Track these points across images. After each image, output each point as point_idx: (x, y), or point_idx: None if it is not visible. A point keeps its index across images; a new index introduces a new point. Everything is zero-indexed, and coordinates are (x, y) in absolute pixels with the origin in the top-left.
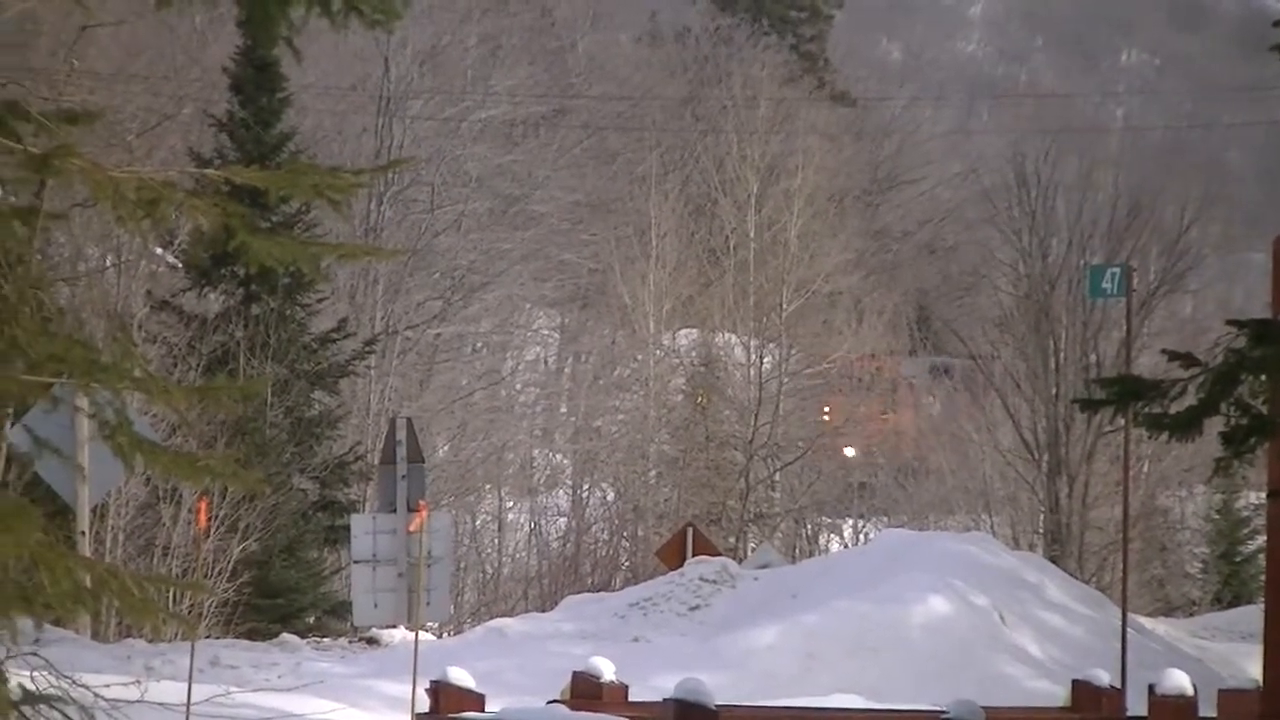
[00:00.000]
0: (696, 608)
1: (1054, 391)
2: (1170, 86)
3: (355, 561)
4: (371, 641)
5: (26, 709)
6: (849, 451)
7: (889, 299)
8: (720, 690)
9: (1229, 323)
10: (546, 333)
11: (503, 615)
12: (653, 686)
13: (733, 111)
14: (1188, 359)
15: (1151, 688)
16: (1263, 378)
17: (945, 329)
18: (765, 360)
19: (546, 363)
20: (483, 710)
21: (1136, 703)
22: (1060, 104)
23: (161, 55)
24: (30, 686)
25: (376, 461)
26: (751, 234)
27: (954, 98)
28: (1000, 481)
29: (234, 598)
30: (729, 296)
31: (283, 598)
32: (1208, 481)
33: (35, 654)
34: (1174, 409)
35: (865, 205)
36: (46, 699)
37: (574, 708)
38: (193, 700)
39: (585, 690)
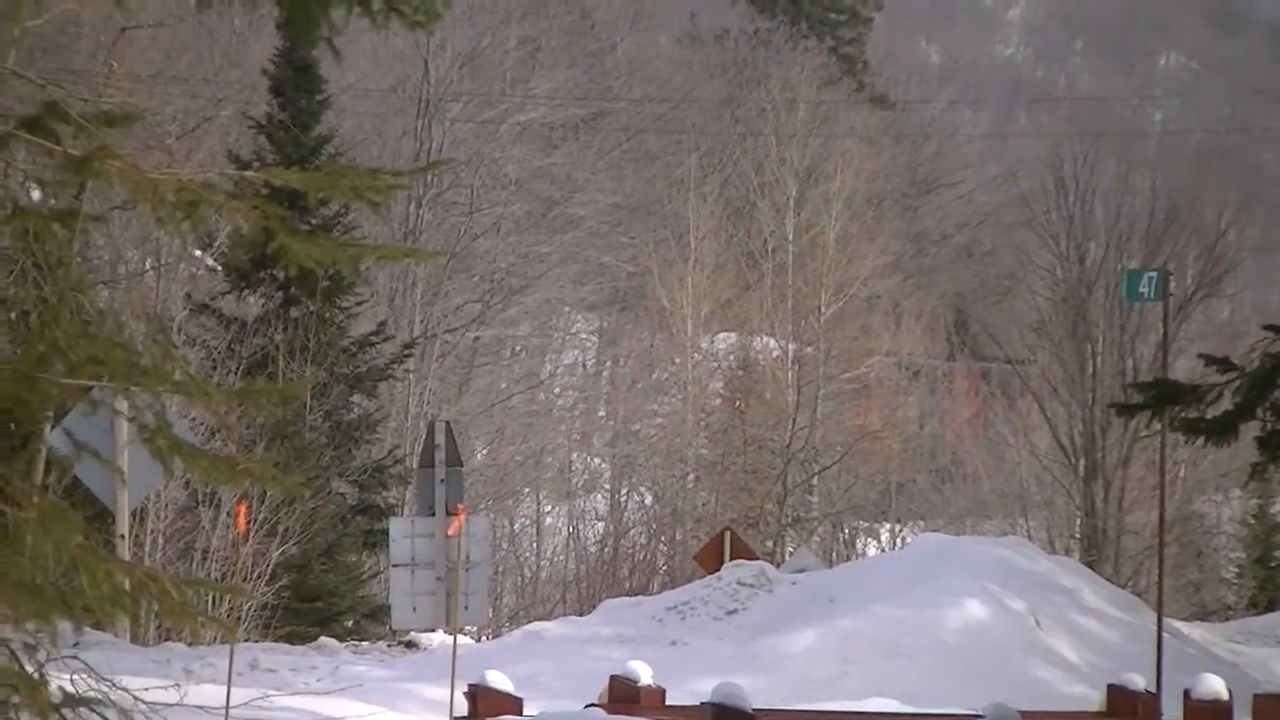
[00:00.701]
0: (734, 611)
1: (1090, 396)
2: (1208, 90)
3: (394, 565)
4: (410, 645)
5: (67, 712)
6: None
7: (926, 302)
8: (757, 694)
9: (1266, 327)
10: (585, 336)
11: (540, 619)
12: (690, 690)
13: (772, 114)
14: (1224, 363)
15: (1187, 692)
16: None
17: (983, 333)
18: (802, 364)
19: (585, 366)
20: (520, 714)
21: (1172, 707)
22: (1098, 107)
23: (201, 57)
24: (70, 689)
25: (415, 465)
26: (790, 237)
27: (992, 101)
28: (1036, 486)
29: (273, 601)
30: (767, 300)
31: (321, 601)
32: (1244, 486)
33: (75, 657)
34: (1210, 414)
35: (903, 208)
36: (86, 702)
37: (611, 711)
38: (232, 704)
39: (622, 694)
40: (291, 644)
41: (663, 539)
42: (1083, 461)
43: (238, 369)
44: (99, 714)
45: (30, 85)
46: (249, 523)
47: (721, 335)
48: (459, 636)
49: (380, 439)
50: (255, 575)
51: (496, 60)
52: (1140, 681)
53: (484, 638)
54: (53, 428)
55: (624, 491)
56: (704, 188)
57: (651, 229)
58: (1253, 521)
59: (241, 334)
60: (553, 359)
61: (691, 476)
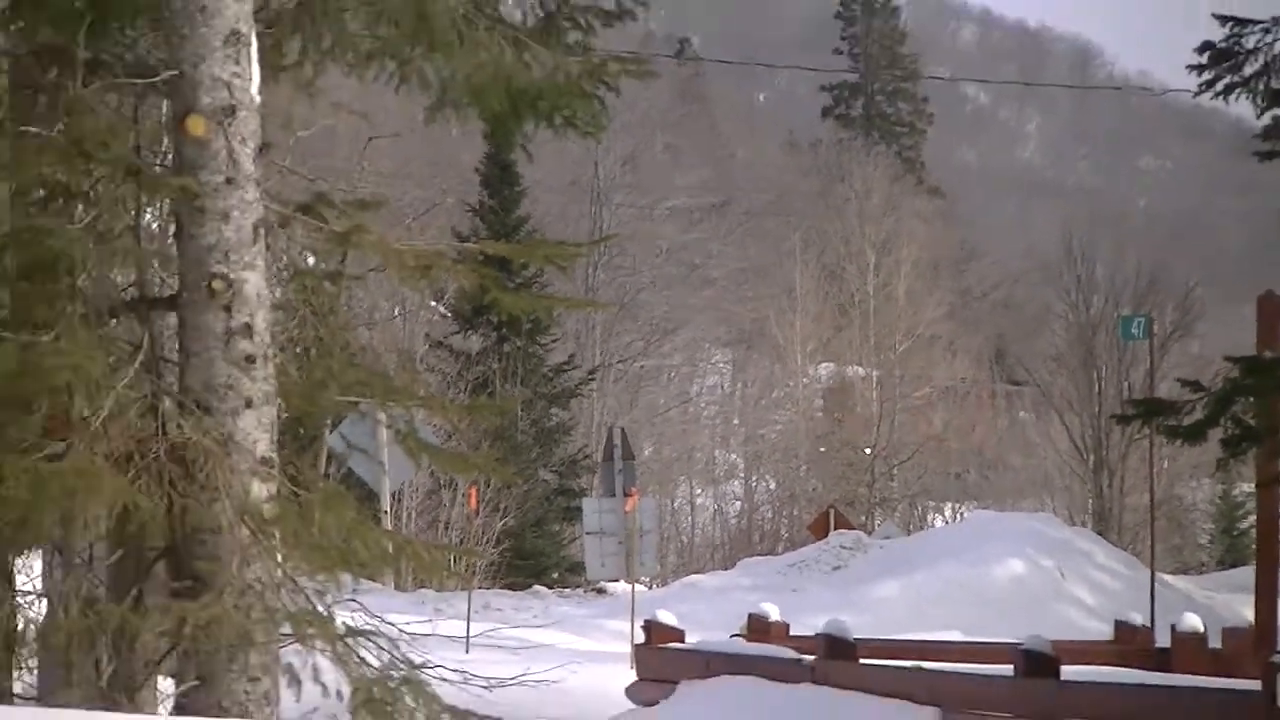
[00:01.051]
0: (838, 568)
1: (1097, 409)
2: (1180, 183)
3: (587, 533)
4: (600, 591)
5: (349, 640)
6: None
7: (974, 340)
8: (856, 628)
9: (1226, 359)
10: (721, 365)
11: (695, 573)
12: (806, 625)
13: (854, 201)
14: (1195, 386)
15: (1173, 626)
16: (1251, 399)
17: (1016, 363)
18: (883, 385)
19: (723, 387)
20: (683, 641)
21: (1163, 638)
22: (1097, 196)
23: (430, 159)
24: (350, 624)
25: (599, 459)
26: (871, 292)
27: (1017, 192)
28: (1059, 475)
29: (498, 559)
30: (855, 338)
31: (533, 559)
32: (1212, 475)
33: (353, 600)
34: (1186, 422)
35: (955, 271)
36: (362, 633)
37: (749, 639)
38: (471, 634)
39: (757, 627)
40: (513, 590)
41: (784, 514)
42: (1092, 457)
43: (465, 389)
44: (372, 641)
45: (303, 179)
46: (479, 502)
47: (823, 365)
48: (635, 585)
49: (573, 440)
50: (484, 540)
51: (649, 161)
52: (1139, 619)
53: (654, 586)
54: (331, 432)
55: (754, 479)
56: (805, 255)
57: (768, 286)
58: (1219, 501)
59: (467, 364)
60: (698, 382)
61: (804, 468)
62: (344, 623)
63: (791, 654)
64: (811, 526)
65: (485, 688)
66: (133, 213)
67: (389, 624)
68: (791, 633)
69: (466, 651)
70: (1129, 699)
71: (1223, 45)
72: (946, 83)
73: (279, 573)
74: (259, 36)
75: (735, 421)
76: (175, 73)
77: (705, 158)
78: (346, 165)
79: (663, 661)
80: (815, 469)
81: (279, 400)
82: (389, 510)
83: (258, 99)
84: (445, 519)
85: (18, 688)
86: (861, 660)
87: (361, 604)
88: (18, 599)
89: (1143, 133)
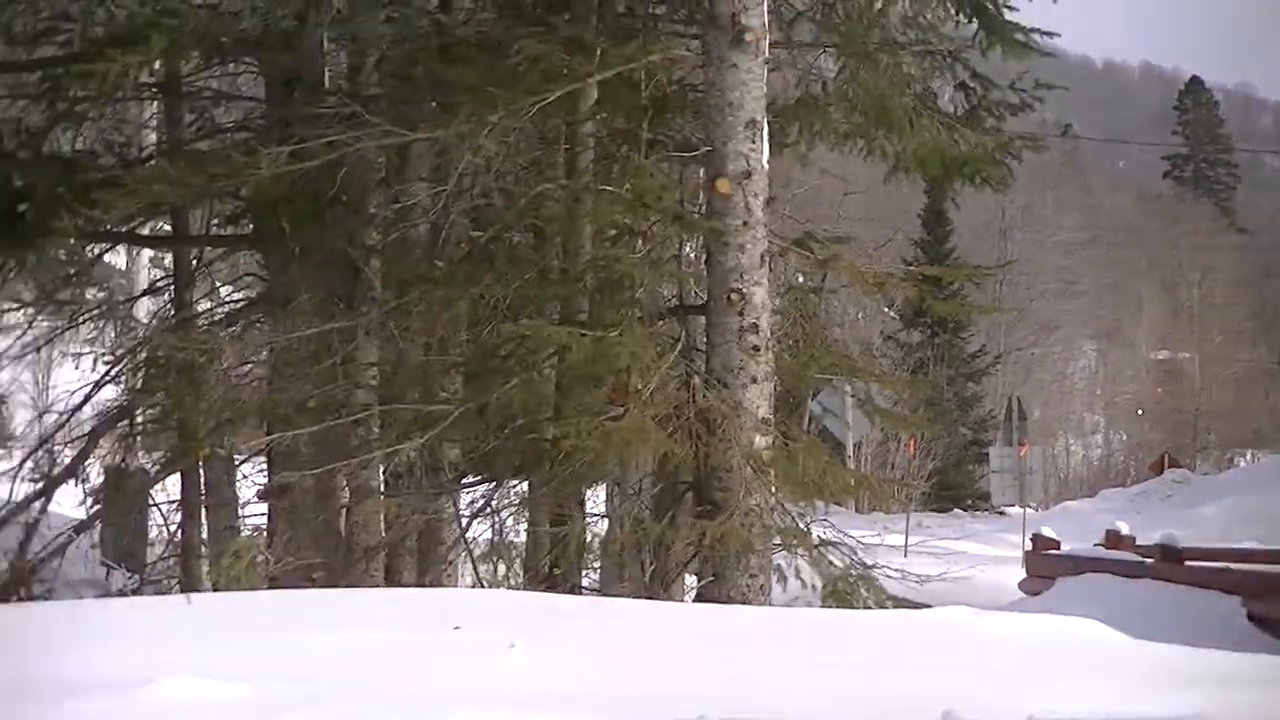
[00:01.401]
0: (1169, 496)
1: None
2: None
3: (992, 471)
4: (1001, 513)
5: (821, 548)
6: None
7: (1274, 334)
8: (1183, 539)
9: None
10: (1089, 352)
11: (1068, 500)
12: (1147, 537)
13: (1184, 237)
14: None
15: None
16: None
17: None
18: (1202, 367)
19: (1089, 368)
20: (1059, 549)
21: None
22: None
23: (886, 207)
24: (823, 536)
25: (1002, 419)
26: (1195, 299)
27: None
28: None
29: (928, 490)
30: (1184, 333)
31: (953, 490)
32: None
33: (825, 519)
34: None
35: (1258, 285)
36: (831, 543)
37: (1107, 548)
38: (908, 544)
39: (1112, 539)
40: (938, 513)
41: (1132, 458)
42: None
43: (907, 369)
44: (837, 549)
45: (796, 222)
46: (916, 449)
47: (1161, 351)
48: (1026, 509)
49: (983, 406)
50: (919, 476)
51: (1039, 207)
52: None
53: (1038, 509)
54: (811, 400)
55: (1111, 433)
56: (1149, 275)
57: (1122, 298)
58: None
59: (909, 351)
60: (1072, 364)
61: (1146, 425)
62: (818, 535)
63: (1136, 558)
64: (1151, 466)
65: (917, 583)
66: (677, 245)
67: (850, 536)
68: (1137, 543)
69: (904, 556)
70: None
71: None
72: (1251, 154)
73: (772, 500)
74: (769, 123)
75: (1097, 392)
76: (709, 148)
77: (1079, 206)
78: (828, 212)
79: (1045, 564)
80: (1155, 426)
81: (775, 377)
82: (851, 455)
83: (766, 166)
84: (891, 461)
85: (585, 582)
86: (1186, 562)
87: (831, 523)
88: (586, 519)
89: None
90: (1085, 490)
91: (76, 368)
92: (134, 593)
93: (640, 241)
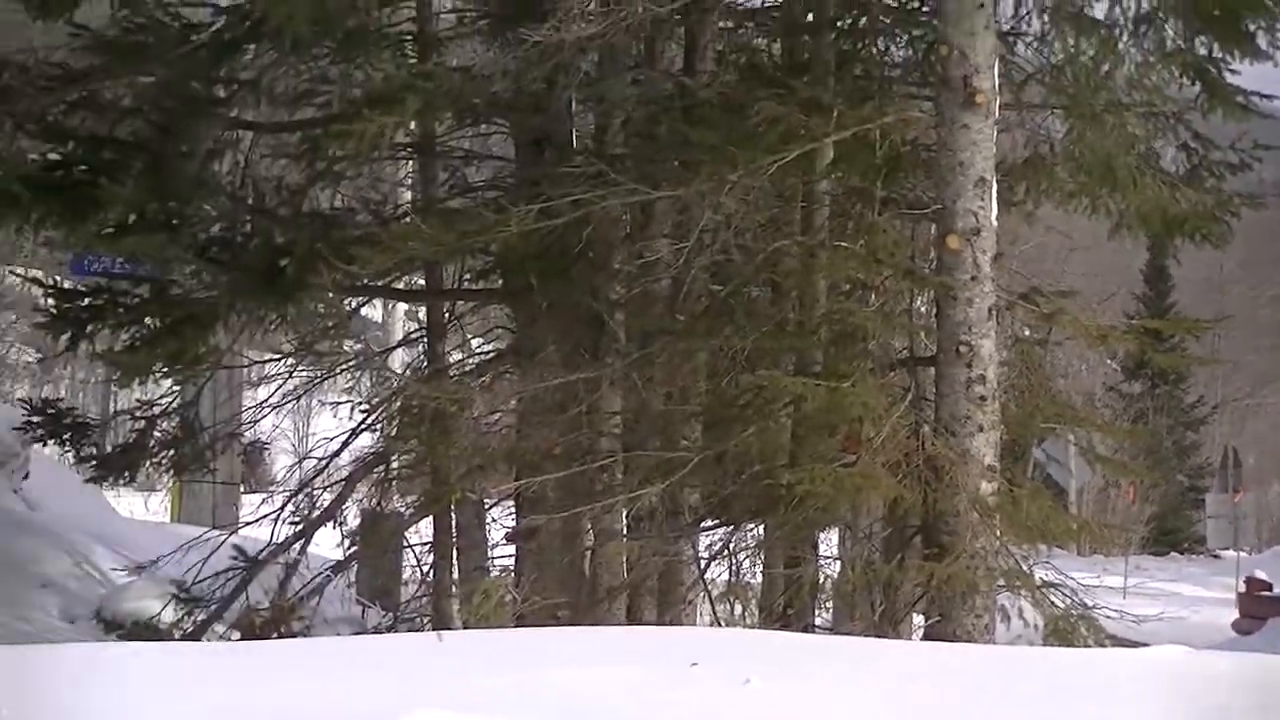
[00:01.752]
0: None
1: None
2: None
3: (1208, 516)
4: (1215, 556)
5: (1043, 589)
6: None
7: None
8: None
9: None
10: None
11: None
12: None
13: None
14: None
15: None
16: None
17: None
18: None
19: None
20: (1272, 591)
21: None
22: None
23: (1109, 263)
24: (1045, 578)
25: (1217, 466)
26: None
27: None
28: None
29: (1146, 534)
30: None
31: (1171, 534)
32: None
33: (1048, 562)
34: None
35: None
36: (1053, 584)
37: None
38: (1127, 585)
39: None
40: (1155, 556)
41: None
42: None
43: (1128, 419)
44: (1059, 590)
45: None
46: (1135, 495)
47: None
48: (1240, 553)
49: (1200, 454)
50: (1138, 521)
51: (1255, 262)
52: None
53: (1251, 553)
54: (1036, 448)
55: None
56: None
57: None
58: None
59: (1130, 401)
60: None
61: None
62: (1041, 577)
63: None
64: None
65: (1135, 622)
66: (908, 299)
67: (1070, 578)
68: None
69: (1123, 598)
70: None
71: None
72: None
73: (997, 543)
74: (997, 182)
75: None
76: (940, 206)
77: None
78: (1053, 268)
79: (1258, 605)
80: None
81: (1001, 426)
82: (1073, 501)
83: (995, 223)
84: (1112, 506)
85: (818, 621)
86: None
87: (1053, 565)
88: (820, 561)
89: None
90: None
91: (334, 416)
92: (389, 630)
93: (873, 296)
